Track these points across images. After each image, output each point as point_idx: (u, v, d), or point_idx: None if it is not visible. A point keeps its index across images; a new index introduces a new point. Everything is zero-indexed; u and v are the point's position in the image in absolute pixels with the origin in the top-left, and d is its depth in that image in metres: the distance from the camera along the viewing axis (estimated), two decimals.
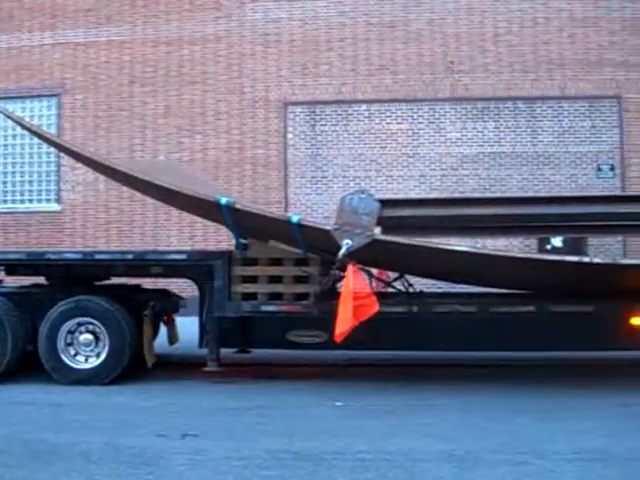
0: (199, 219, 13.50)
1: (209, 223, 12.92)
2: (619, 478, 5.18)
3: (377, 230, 8.77)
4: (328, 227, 7.77)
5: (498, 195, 14.58)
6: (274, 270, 8.53)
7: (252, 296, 8.53)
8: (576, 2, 16.51)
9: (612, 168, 16.02)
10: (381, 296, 8.36)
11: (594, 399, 7.86)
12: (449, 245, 7.66)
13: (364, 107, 16.43)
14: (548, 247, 14.43)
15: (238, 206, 8.07)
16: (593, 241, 14.91)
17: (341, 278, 7.92)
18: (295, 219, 7.94)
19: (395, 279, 9.58)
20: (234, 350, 9.68)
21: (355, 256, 7.60)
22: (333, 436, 6.38)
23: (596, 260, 8.02)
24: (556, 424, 6.81)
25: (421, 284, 10.26)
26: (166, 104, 17.20)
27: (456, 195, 14.94)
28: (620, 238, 14.99)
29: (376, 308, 7.43)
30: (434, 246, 7.56)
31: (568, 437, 6.31)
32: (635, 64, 16.29)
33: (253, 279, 8.54)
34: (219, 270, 8.50)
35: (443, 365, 9.69)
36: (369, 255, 7.95)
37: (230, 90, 17.02)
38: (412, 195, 15.35)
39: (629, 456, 5.72)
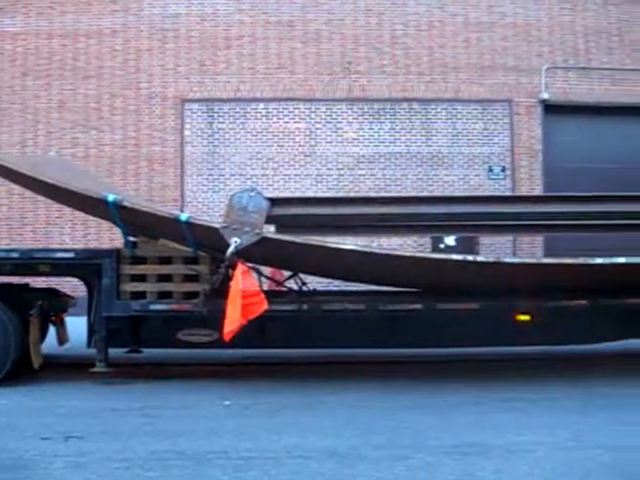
0: (92, 217, 13.18)
1: (102, 221, 12.65)
2: (496, 470, 5.31)
3: (272, 228, 8.79)
4: (217, 225, 7.72)
5: (393, 195, 14.79)
6: (163, 269, 8.41)
7: (141, 295, 8.38)
8: (471, 7, 16.92)
9: (503, 169, 16.50)
10: (271, 294, 8.39)
11: (478, 393, 8.07)
12: (338, 244, 7.72)
13: (262, 105, 16.41)
14: (442, 246, 14.74)
15: (126, 203, 7.92)
16: (485, 240, 15.31)
17: (231, 277, 7.88)
18: (184, 217, 7.86)
19: (288, 277, 9.62)
20: (125, 350, 9.51)
21: (245, 254, 7.59)
22: (219, 435, 6.35)
23: (480, 258, 8.24)
24: (440, 419, 6.96)
25: (316, 282, 10.34)
26: (60, 98, 16.76)
27: (352, 194, 15.08)
28: (510, 237, 15.43)
29: (265, 307, 7.43)
30: (323, 245, 7.62)
31: (451, 431, 6.45)
32: (526, 69, 16.83)
33: (142, 278, 8.40)
34: (107, 269, 8.33)
35: (333, 363, 9.79)
36: (260, 253, 7.95)
37: (126, 85, 16.72)
38: (309, 194, 15.42)
39: (509, 449, 5.88)
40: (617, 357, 10.55)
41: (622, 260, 8.15)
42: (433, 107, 16.46)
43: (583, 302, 8.76)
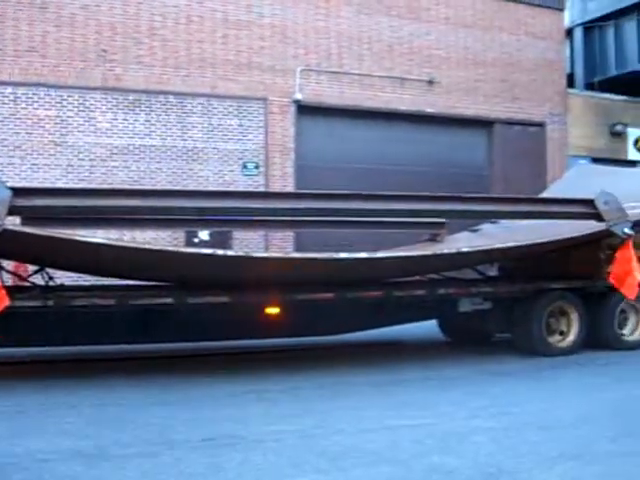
0: None
1: None
2: (244, 461, 5.42)
3: (17, 220, 8.32)
4: None
5: (147, 187, 14.55)
6: None
7: None
8: (230, 5, 17.02)
9: (257, 166, 16.80)
10: (14, 290, 7.96)
11: (229, 386, 8.21)
12: (86, 237, 7.48)
13: (10, 90, 15.39)
14: (196, 240, 14.77)
15: None
16: (238, 235, 15.51)
17: None
18: None
19: (34, 272, 9.19)
20: None
21: None
22: None
23: (230, 253, 8.35)
24: (191, 413, 6.99)
25: (66, 277, 9.97)
26: None
27: (104, 186, 14.62)
28: (263, 232, 15.74)
29: (6, 303, 7.05)
30: (69, 238, 7.35)
31: (201, 425, 6.51)
32: (281, 69, 17.25)
33: None
34: None
35: (80, 360, 9.53)
36: (2, 247, 7.51)
37: None
38: (59, 185, 14.76)
39: (257, 439, 6.04)
40: (361, 346, 11.18)
41: (364, 255, 8.62)
42: (189, 101, 16.37)
43: (329, 295, 9.16)
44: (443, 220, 11.49)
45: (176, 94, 16.29)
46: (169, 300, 8.53)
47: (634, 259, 9.91)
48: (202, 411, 7.10)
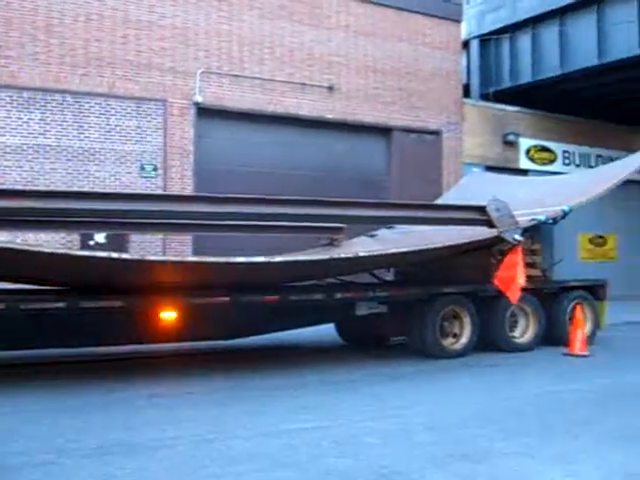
0: None
1: None
2: (137, 469, 5.35)
3: None
4: None
5: (41, 188, 14.16)
6: None
7: None
8: (131, 4, 16.73)
9: (155, 168, 16.56)
10: None
11: (122, 392, 8.10)
12: None
13: None
14: (91, 243, 14.47)
15: None
16: (136, 238, 15.29)
17: None
18: None
19: None
20: None
21: None
22: None
23: (125, 256, 8.22)
24: (84, 420, 6.87)
25: None
26: None
27: None
28: (160, 236, 15.56)
29: None
30: None
31: (94, 432, 6.39)
32: (181, 71, 17.07)
33: None
34: None
35: None
36: None
37: None
38: None
39: (152, 446, 5.98)
40: (259, 350, 11.20)
41: (262, 259, 8.64)
42: (87, 101, 15.97)
43: (225, 299, 9.14)
44: (341, 225, 11.64)
45: (73, 93, 15.88)
46: (61, 305, 8.32)
47: (520, 265, 10.30)
48: (94, 418, 6.97)
